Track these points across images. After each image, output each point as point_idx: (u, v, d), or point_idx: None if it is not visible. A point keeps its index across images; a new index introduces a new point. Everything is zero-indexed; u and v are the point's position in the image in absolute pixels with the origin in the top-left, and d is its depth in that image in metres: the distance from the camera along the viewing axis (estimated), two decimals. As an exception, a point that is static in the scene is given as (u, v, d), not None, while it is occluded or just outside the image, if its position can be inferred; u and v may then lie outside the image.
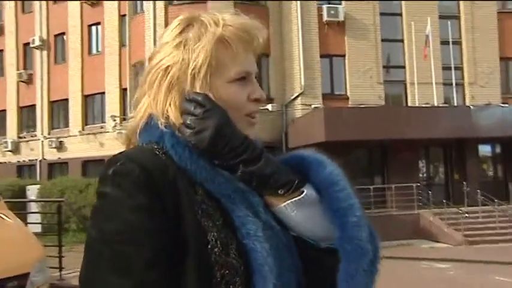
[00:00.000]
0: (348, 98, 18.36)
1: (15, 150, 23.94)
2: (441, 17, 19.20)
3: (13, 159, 23.93)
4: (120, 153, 0.88)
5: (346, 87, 18.58)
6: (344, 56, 18.52)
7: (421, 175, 18.00)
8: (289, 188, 0.89)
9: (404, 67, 19.05)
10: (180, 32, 0.94)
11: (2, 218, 4.15)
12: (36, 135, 23.46)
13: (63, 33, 22.98)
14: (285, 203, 0.89)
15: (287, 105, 18.42)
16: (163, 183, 0.84)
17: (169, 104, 0.92)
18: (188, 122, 0.89)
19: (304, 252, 0.92)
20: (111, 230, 0.81)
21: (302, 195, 0.89)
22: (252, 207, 0.88)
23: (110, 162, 0.87)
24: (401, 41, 19.13)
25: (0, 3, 25.41)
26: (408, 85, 18.95)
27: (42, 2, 23.58)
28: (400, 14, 19.18)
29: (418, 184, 16.13)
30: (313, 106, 17.56)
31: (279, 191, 0.89)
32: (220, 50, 0.92)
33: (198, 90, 0.91)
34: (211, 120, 0.88)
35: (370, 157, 18.29)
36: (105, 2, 21.50)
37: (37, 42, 23.26)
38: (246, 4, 18.29)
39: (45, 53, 23.45)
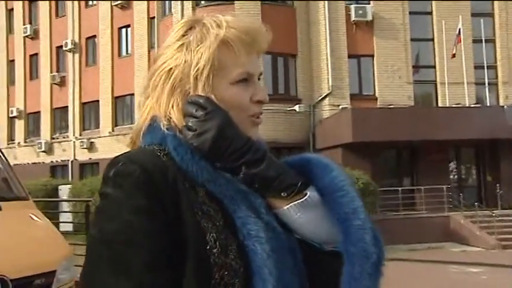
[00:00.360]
0: (376, 99, 18.13)
1: (49, 150, 24.58)
2: (473, 15, 18.74)
3: (47, 159, 24.58)
4: (122, 154, 0.89)
5: (374, 88, 18.35)
6: (372, 56, 18.29)
7: (451, 177, 17.61)
8: (292, 191, 0.88)
9: (434, 67, 18.68)
10: (183, 35, 0.94)
11: (31, 217, 4.26)
12: (68, 136, 24.04)
13: (94, 36, 23.50)
14: (288, 205, 0.89)
15: (315, 106, 18.32)
16: (163, 184, 0.84)
17: (172, 106, 0.92)
18: (190, 124, 0.89)
19: (308, 255, 0.91)
20: (110, 230, 0.82)
21: (305, 198, 0.89)
22: (254, 209, 0.88)
23: (111, 163, 0.88)
24: (432, 40, 18.77)
25: (36, 7, 26.14)
26: (438, 85, 18.57)
27: (75, 5, 24.16)
28: (430, 13, 18.82)
29: (449, 186, 15.79)
30: (341, 107, 17.41)
31: (282, 193, 0.88)
32: (223, 52, 0.91)
33: (200, 92, 0.91)
34: (212, 122, 0.88)
35: (399, 158, 18.01)
36: (134, 4, 21.87)
37: (69, 45, 23.86)
38: (273, 4, 18.30)
39: (77, 55, 24.02)
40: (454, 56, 17.46)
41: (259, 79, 0.97)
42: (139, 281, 0.79)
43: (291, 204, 0.88)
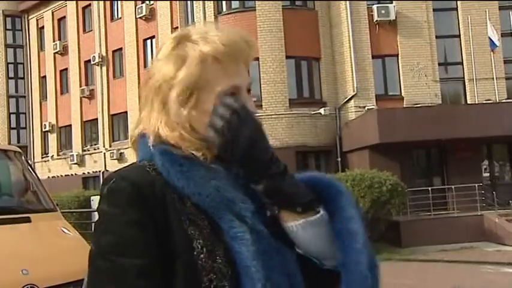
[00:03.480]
0: (402, 98, 17.88)
1: (80, 162, 25.16)
2: (501, 8, 18.31)
3: (79, 171, 25.16)
4: (115, 171, 0.95)
5: (400, 87, 18.10)
6: (397, 55, 18.07)
7: (484, 175, 17.18)
8: (307, 207, 0.92)
9: (461, 63, 18.31)
10: (172, 50, 0.99)
11: (59, 228, 4.41)
12: (98, 148, 24.58)
13: (121, 49, 23.98)
14: (300, 221, 0.92)
15: (340, 108, 18.20)
16: (152, 198, 0.90)
17: (160, 122, 0.97)
18: (218, 126, 0.91)
19: (306, 270, 0.95)
20: (105, 243, 0.88)
21: (318, 216, 0.93)
22: (238, 215, 0.91)
23: (105, 180, 0.94)
24: (458, 36, 18.41)
25: (65, 24, 26.89)
26: (467, 81, 18.19)
27: (101, 20, 24.76)
28: (456, 9, 18.47)
29: (481, 184, 15.41)
30: (366, 108, 17.25)
31: (297, 209, 0.92)
32: (209, 67, 0.95)
33: (187, 107, 0.95)
34: (245, 129, 0.91)
35: (428, 158, 17.69)
36: (158, 16, 22.26)
37: (97, 59, 24.42)
38: (294, 9, 18.32)
39: (104, 68, 24.57)
40: (493, 51, 17.04)
41: (249, 90, 1.00)
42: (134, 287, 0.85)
43: (303, 220, 0.92)
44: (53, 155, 27.09)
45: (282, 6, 17.93)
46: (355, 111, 17.58)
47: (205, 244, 0.88)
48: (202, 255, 0.87)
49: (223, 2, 18.69)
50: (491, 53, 17.23)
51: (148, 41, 23.00)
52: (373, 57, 17.89)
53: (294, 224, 0.92)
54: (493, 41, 17.03)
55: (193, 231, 0.89)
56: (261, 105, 17.43)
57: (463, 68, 18.24)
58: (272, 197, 0.92)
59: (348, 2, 17.90)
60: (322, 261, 0.94)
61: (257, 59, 17.60)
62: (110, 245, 0.88)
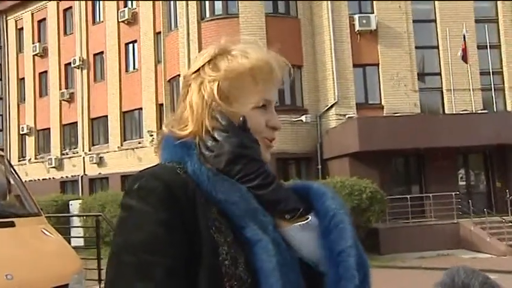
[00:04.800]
0: (382, 107, 18.15)
1: (59, 166, 24.82)
2: (477, 21, 18.79)
3: (57, 175, 24.81)
4: (145, 170, 0.99)
5: (380, 96, 18.38)
6: (377, 64, 18.36)
7: (460, 183, 17.55)
8: (295, 214, 0.98)
9: (440, 74, 18.70)
10: (212, 59, 1.05)
11: (43, 232, 4.37)
12: (77, 152, 24.28)
13: (102, 52, 23.81)
14: (290, 227, 0.97)
15: (321, 116, 18.37)
16: (183, 200, 0.93)
17: (200, 122, 1.02)
18: (209, 144, 1.00)
19: (306, 273, 0.99)
20: (136, 240, 0.91)
21: (307, 221, 0.98)
22: (262, 225, 0.96)
23: (135, 178, 0.97)
24: (436, 47, 18.81)
25: (45, 26, 26.58)
26: (445, 92, 18.57)
27: (82, 23, 24.55)
28: (434, 20, 18.89)
29: (457, 193, 15.73)
30: (347, 116, 17.46)
31: (286, 216, 0.97)
32: (246, 80, 1.03)
33: (227, 109, 1.02)
34: (229, 146, 0.98)
35: (407, 166, 17.99)
36: (140, 20, 22.18)
37: (77, 62, 24.20)
38: (277, 17, 18.48)
39: (85, 72, 24.34)
40: (463, 59, 17.44)
41: (275, 105, 1.09)
42: (162, 285, 0.89)
43: (292, 226, 0.97)
44: (30, 159, 26.67)
45: (265, 13, 18.06)
46: (336, 119, 17.77)
47: (229, 251, 0.92)
48: (226, 262, 0.91)
49: (207, 8, 18.73)
50: (468, 64, 17.65)
51: (130, 45, 22.89)
52: (354, 66, 18.14)
53: (284, 229, 0.97)
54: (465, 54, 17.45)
55: (219, 237, 0.93)
56: (243, 112, 17.47)
57: (441, 79, 18.63)
58: (260, 204, 0.96)
59: (330, 11, 18.14)
60: (317, 264, 0.99)
61: (240, 65, 17.65)
62: (139, 241, 0.90)
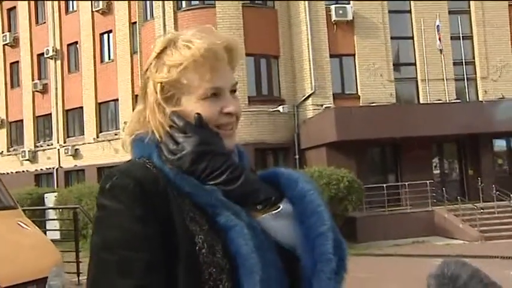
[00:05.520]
0: (359, 97, 18.35)
1: (33, 159, 24.36)
2: (451, 12, 19.10)
3: (31, 167, 24.36)
4: (116, 167, 1.00)
5: (357, 86, 18.56)
6: (354, 55, 18.52)
7: (434, 172, 17.91)
8: (266, 204, 1.00)
9: (415, 64, 18.98)
10: (159, 53, 1.05)
11: (20, 225, 4.31)
12: (52, 144, 23.86)
13: (76, 43, 23.37)
14: (263, 216, 0.99)
15: (298, 106, 18.46)
16: (155, 194, 0.95)
17: (149, 120, 1.04)
18: (171, 147, 1.01)
19: (283, 256, 1.00)
20: (113, 238, 0.92)
21: (278, 210, 1.00)
22: (234, 212, 0.98)
23: (107, 176, 0.98)
24: (411, 38, 19.06)
25: (15, 15, 25.90)
26: (419, 82, 18.87)
27: (55, 12, 24.01)
28: (409, 11, 19.12)
29: (432, 181, 16.06)
30: (324, 106, 17.59)
31: (258, 207, 0.99)
32: (191, 71, 1.01)
33: (172, 108, 1.02)
34: (190, 146, 0.99)
35: (383, 155, 18.26)
36: (116, 10, 21.82)
37: (51, 53, 23.68)
38: (254, 7, 18.42)
39: (58, 62, 23.86)
40: (441, 51, 17.73)
41: (235, 90, 1.07)
42: (141, 279, 0.90)
43: (264, 216, 0.99)
44: (2, 151, 26.09)
45: (242, 4, 18.00)
46: (313, 109, 17.89)
47: (205, 239, 0.94)
48: (203, 250, 0.93)
49: (183, -2, 18.55)
50: (441, 54, 17.96)
51: (105, 35, 22.51)
52: (331, 56, 18.25)
53: (258, 218, 0.98)
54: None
55: (194, 227, 0.95)
56: (221, 102, 17.43)
57: (416, 69, 18.91)
58: (230, 198, 0.98)
59: (306, 1, 18.17)
60: (295, 249, 1.01)
61: (217, 56, 17.56)
62: (116, 239, 0.92)
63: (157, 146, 1.02)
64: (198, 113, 1.01)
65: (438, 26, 17.52)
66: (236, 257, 0.94)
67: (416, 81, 18.98)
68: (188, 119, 1.02)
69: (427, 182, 15.51)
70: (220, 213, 0.97)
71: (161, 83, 1.02)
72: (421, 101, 18.52)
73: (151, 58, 1.06)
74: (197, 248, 0.93)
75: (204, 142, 1.00)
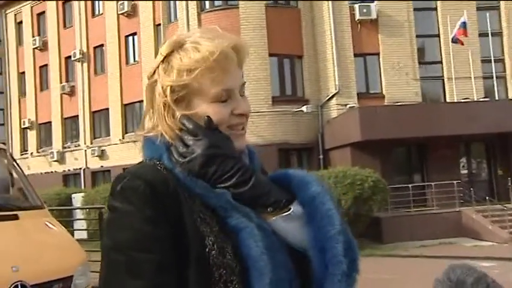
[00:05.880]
0: (383, 97, 18.13)
1: (61, 160, 24.87)
2: (479, 9, 18.69)
3: (59, 168, 24.88)
4: (127, 169, 1.00)
5: (381, 86, 18.35)
6: (378, 54, 18.31)
7: (462, 172, 17.56)
8: (276, 207, 0.99)
9: (441, 62, 18.65)
10: (166, 56, 1.04)
11: (46, 225, 4.40)
12: (79, 145, 24.32)
13: (102, 45, 23.76)
14: (273, 219, 0.99)
15: (322, 106, 18.36)
16: (166, 196, 0.95)
17: (159, 122, 1.04)
18: (180, 150, 1.00)
19: (294, 256, 1.00)
20: (124, 239, 0.93)
21: (289, 212, 0.99)
22: (245, 213, 0.98)
23: (117, 179, 0.99)
24: (437, 35, 18.74)
25: (44, 19, 26.50)
26: (446, 80, 18.53)
27: (82, 16, 24.47)
28: (435, 9, 18.80)
29: (459, 181, 15.75)
30: (348, 106, 17.44)
31: (268, 209, 0.99)
32: (201, 74, 1.00)
33: (182, 112, 1.02)
34: (200, 149, 0.99)
35: (408, 155, 17.99)
36: (140, 12, 22.11)
37: (78, 55, 24.15)
38: (277, 7, 18.40)
39: (85, 65, 24.30)
40: (462, 43, 17.30)
41: (243, 90, 1.07)
42: (152, 280, 0.91)
43: (275, 218, 0.99)
44: (32, 152, 26.72)
45: (265, 4, 17.99)
46: (337, 109, 17.75)
47: (216, 241, 0.94)
48: (213, 252, 0.93)
49: (206, 0, 18.65)
50: (469, 52, 17.58)
51: (130, 38, 22.83)
52: (355, 55, 18.09)
53: (269, 220, 0.99)
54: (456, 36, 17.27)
55: (205, 228, 0.95)
56: (244, 103, 17.47)
57: (442, 67, 18.57)
58: (240, 201, 0.97)
59: (330, 1, 18.05)
60: (305, 250, 1.00)
61: (240, 56, 17.61)
62: (127, 240, 0.92)
63: (167, 148, 1.02)
64: (207, 116, 1.01)
65: (464, 23, 17.12)
66: (247, 258, 0.94)
67: (443, 79, 18.64)
68: (199, 122, 1.01)
69: (454, 182, 15.22)
70: (230, 215, 0.97)
71: (171, 86, 1.02)
72: (448, 100, 18.18)
73: (158, 61, 1.05)
74: (207, 249, 0.93)
75: (214, 145, 0.99)
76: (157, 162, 1.01)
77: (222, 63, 1.00)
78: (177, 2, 19.25)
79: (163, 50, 1.05)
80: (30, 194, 4.73)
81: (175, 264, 0.93)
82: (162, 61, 1.04)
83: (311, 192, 1.02)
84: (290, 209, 0.99)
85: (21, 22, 27.68)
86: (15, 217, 4.14)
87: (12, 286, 3.50)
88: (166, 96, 1.02)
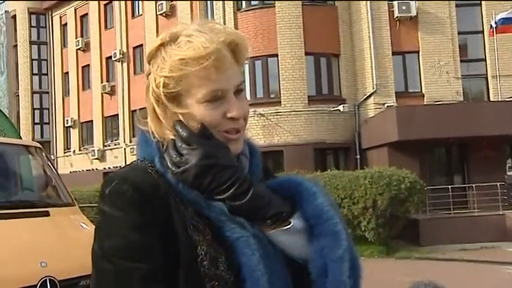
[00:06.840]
0: (423, 95, 17.67)
1: (101, 157, 25.53)
2: (526, 4, 17.91)
3: (100, 166, 25.54)
4: (116, 172, 0.96)
5: (421, 84, 17.89)
6: (418, 52, 17.85)
7: (508, 174, 16.87)
8: (276, 220, 0.94)
9: (484, 60, 17.99)
10: (160, 46, 0.98)
11: (76, 222, 4.51)
12: (119, 143, 24.89)
13: (141, 45, 24.19)
14: (272, 231, 0.94)
15: (359, 105, 18.08)
16: (155, 201, 0.91)
17: (158, 126, 0.99)
18: (174, 159, 0.94)
19: (291, 266, 0.96)
20: (110, 246, 0.89)
21: (289, 226, 0.94)
22: (239, 223, 0.93)
23: (107, 181, 0.95)
24: (481, 32, 18.09)
25: (87, 21, 27.29)
26: (490, 78, 17.87)
27: (122, 17, 25.03)
28: (479, 4, 18.15)
29: (503, 183, 15.14)
30: (386, 105, 17.10)
31: (267, 222, 0.94)
32: (190, 72, 0.93)
33: (175, 109, 0.96)
34: (194, 159, 0.92)
35: (449, 156, 17.44)
36: (178, 13, 22.40)
37: (118, 55, 24.71)
38: (314, 5, 18.23)
39: (125, 65, 24.84)
40: (492, 34, 16.65)
41: (241, 90, 0.98)
42: None
43: (274, 231, 0.94)
44: (74, 150, 27.55)
45: (302, 2, 17.87)
46: (375, 108, 17.44)
47: (208, 250, 0.89)
48: (205, 262, 0.89)
49: (243, 0, 18.70)
50: None
51: (169, 38, 23.14)
52: (394, 53, 17.71)
53: (268, 233, 0.94)
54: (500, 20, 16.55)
55: (197, 236, 0.90)
56: (280, 102, 17.44)
57: (486, 65, 17.92)
58: (238, 214, 0.92)
59: (368, -1, 17.75)
60: (304, 261, 0.95)
61: (276, 55, 17.59)
62: (113, 247, 0.89)
63: (159, 150, 0.97)
64: (201, 123, 0.95)
65: (502, 19, 16.37)
66: (242, 268, 0.89)
67: (486, 77, 17.98)
68: (192, 124, 0.96)
69: (498, 184, 14.65)
70: (224, 225, 0.92)
71: (164, 81, 0.95)
72: (492, 99, 17.52)
73: (153, 50, 0.99)
74: (199, 259, 0.89)
75: (209, 155, 0.93)
76: (149, 165, 0.96)
77: (216, 60, 0.93)
78: (214, 1, 19.39)
79: (158, 39, 0.99)
80: (62, 192, 4.85)
81: (164, 273, 0.89)
82: (157, 51, 0.98)
83: (317, 205, 0.96)
84: (290, 222, 0.94)
85: (65, 24, 28.59)
86: (47, 214, 4.25)
87: (41, 281, 3.59)
88: (159, 88, 0.96)
